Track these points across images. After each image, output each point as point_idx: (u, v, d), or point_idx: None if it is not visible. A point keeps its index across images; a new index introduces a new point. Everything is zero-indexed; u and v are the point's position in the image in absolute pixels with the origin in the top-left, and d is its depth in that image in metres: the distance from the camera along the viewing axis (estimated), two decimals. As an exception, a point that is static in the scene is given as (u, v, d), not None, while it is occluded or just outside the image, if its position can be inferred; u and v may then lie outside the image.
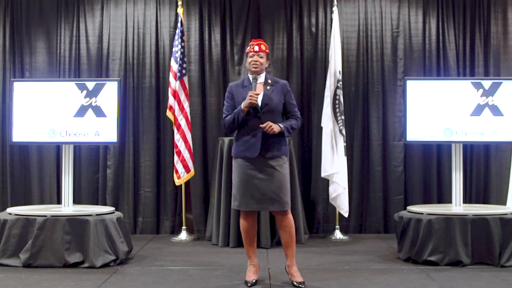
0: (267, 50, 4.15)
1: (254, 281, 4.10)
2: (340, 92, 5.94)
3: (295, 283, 4.03)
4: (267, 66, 4.18)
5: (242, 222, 4.15)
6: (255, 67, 4.08)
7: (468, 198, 6.28)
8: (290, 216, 4.09)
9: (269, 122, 3.94)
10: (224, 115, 4.12)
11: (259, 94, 3.98)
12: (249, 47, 4.15)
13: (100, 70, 6.50)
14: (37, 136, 5.11)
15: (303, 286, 4.00)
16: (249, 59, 4.11)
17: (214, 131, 6.43)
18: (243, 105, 3.97)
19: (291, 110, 4.13)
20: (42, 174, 6.44)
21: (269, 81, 4.11)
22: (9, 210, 5.01)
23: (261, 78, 4.11)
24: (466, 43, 6.50)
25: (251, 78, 4.07)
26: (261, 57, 4.10)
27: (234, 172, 4.13)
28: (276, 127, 3.94)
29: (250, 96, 3.93)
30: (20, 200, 6.36)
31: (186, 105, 5.96)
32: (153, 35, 6.50)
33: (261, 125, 3.94)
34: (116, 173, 6.40)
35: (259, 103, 4.00)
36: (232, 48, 6.50)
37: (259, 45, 4.11)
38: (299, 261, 4.45)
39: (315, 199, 6.42)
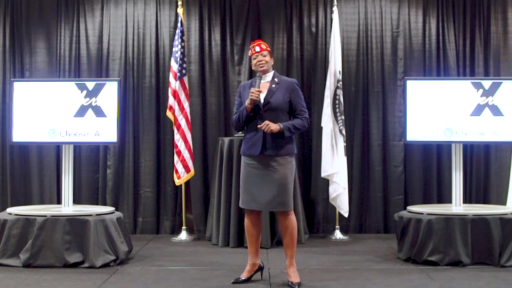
0: (269, 48, 4.16)
1: (241, 279, 4.13)
2: (340, 92, 5.94)
3: (290, 283, 4.04)
4: (272, 63, 4.17)
5: (245, 220, 4.17)
6: (262, 66, 4.09)
7: (468, 198, 6.28)
8: (291, 217, 4.08)
9: (266, 121, 3.94)
10: (233, 114, 4.17)
11: (261, 91, 3.99)
12: (250, 51, 4.18)
13: (100, 70, 6.50)
14: (37, 136, 5.10)
15: (297, 287, 4.00)
16: (254, 61, 4.13)
17: (214, 131, 6.42)
18: (246, 102, 3.99)
19: (297, 109, 4.08)
20: (42, 174, 6.44)
21: (276, 79, 4.10)
22: (9, 210, 5.01)
23: (269, 76, 4.11)
24: (466, 43, 6.50)
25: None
26: (265, 56, 4.10)
27: (241, 170, 4.15)
28: (274, 126, 3.92)
29: (251, 92, 3.95)
30: (20, 200, 6.36)
31: (186, 105, 5.96)
32: (153, 35, 6.50)
33: (258, 126, 3.95)
34: (116, 173, 6.40)
35: (262, 100, 4.01)
36: (232, 48, 6.50)
37: (259, 45, 4.14)
38: (299, 261, 4.46)
39: (315, 199, 6.42)
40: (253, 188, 4.02)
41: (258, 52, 4.11)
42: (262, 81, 4.08)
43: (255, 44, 4.17)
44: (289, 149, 4.04)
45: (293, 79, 4.24)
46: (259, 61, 4.10)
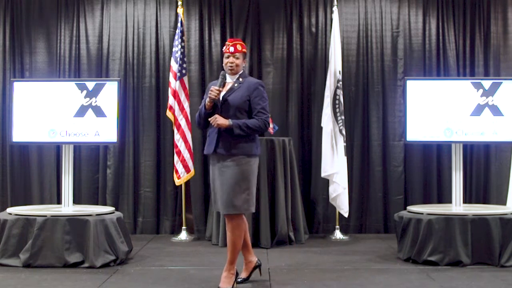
0: (244, 50, 4.05)
1: (240, 278, 4.11)
2: (340, 92, 5.94)
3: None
4: (244, 65, 4.09)
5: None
6: (231, 68, 4.01)
7: (468, 198, 6.27)
8: (235, 221, 3.91)
9: (216, 115, 3.88)
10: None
11: (221, 90, 3.91)
12: (225, 47, 4.06)
13: (100, 70, 6.50)
14: (37, 136, 5.10)
15: None
16: (225, 60, 4.03)
17: (214, 131, 6.42)
18: (206, 100, 3.93)
19: (255, 110, 3.94)
20: (42, 174, 6.44)
21: (241, 79, 4.02)
22: (9, 210, 5.01)
23: (236, 76, 4.03)
24: (466, 43, 6.50)
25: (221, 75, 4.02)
26: (237, 58, 4.00)
27: None
28: (222, 121, 3.84)
29: (210, 90, 3.89)
30: (20, 200, 6.35)
31: (186, 105, 5.96)
32: (153, 35, 6.50)
33: (209, 119, 3.91)
34: (116, 173, 6.40)
35: (221, 99, 3.95)
36: (232, 48, 6.49)
37: (234, 45, 4.01)
38: (300, 261, 4.46)
39: (315, 199, 6.42)
40: (214, 189, 3.99)
41: (231, 52, 4.00)
42: (228, 80, 4.01)
43: (231, 43, 4.03)
44: (245, 149, 3.89)
45: (259, 80, 4.15)
46: (230, 62, 4.00)
